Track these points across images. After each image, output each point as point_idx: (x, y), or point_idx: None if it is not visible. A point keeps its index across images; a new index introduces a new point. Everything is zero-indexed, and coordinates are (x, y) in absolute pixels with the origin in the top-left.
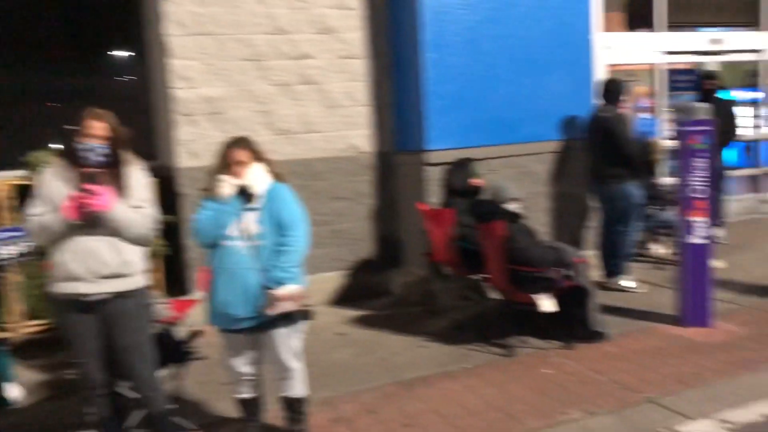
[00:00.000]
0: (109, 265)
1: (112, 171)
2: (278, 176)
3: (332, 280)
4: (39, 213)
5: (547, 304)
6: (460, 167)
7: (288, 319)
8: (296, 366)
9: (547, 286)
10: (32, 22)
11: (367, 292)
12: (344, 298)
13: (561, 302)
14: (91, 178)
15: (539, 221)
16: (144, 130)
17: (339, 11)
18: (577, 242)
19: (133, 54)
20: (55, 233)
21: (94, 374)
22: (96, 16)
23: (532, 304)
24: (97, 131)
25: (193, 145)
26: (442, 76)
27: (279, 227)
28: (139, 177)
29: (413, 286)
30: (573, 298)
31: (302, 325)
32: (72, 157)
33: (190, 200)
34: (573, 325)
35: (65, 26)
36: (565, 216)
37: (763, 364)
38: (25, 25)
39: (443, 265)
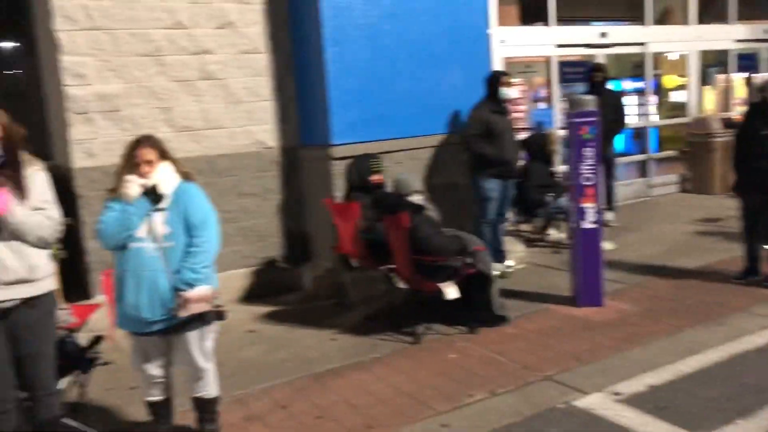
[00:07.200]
0: (13, 270)
1: (8, 172)
2: (186, 175)
3: (241, 277)
4: None
5: (451, 291)
6: (361, 162)
7: (200, 320)
8: (208, 366)
9: (450, 274)
10: None
11: (278, 287)
12: (254, 294)
13: (464, 289)
14: None
15: (440, 212)
16: (36, 128)
17: (239, 5)
18: (476, 231)
19: (23, 49)
20: None
21: None
22: None
23: (437, 292)
24: None
25: (89, 144)
26: (344, 71)
27: (188, 227)
28: (38, 178)
29: (323, 280)
30: (475, 284)
31: (214, 326)
32: None
33: (88, 201)
34: (476, 310)
35: None
36: (468, 206)
37: (651, 338)
38: None
39: (351, 257)
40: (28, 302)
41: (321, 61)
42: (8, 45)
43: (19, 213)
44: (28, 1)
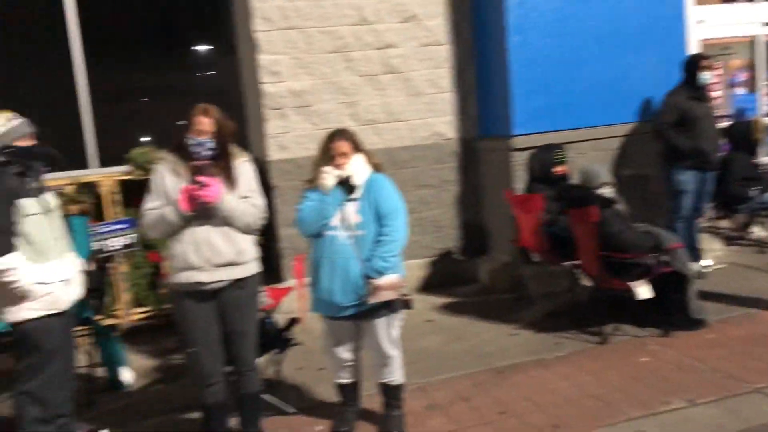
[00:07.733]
0: (224, 253)
1: (220, 164)
2: (377, 167)
3: (419, 267)
4: (155, 207)
5: (643, 291)
6: (544, 152)
7: (388, 307)
8: (395, 353)
9: (643, 273)
10: (126, 21)
11: (454, 279)
12: (431, 285)
13: (657, 288)
14: (201, 171)
15: (629, 205)
16: (236, 123)
17: None
18: (669, 227)
19: (224, 50)
20: (171, 225)
21: (207, 362)
22: (188, 14)
23: (627, 291)
24: (205, 126)
25: (282, 138)
26: (527, 60)
27: (379, 217)
28: (245, 169)
29: (499, 273)
30: (670, 284)
31: (401, 314)
32: (183, 152)
33: (281, 192)
34: (670, 312)
35: (159, 25)
36: (660, 200)
37: None
38: (119, 24)
39: (532, 251)
40: (236, 283)
41: (503, 50)
42: (211, 46)
43: (229, 201)
44: (229, 4)
